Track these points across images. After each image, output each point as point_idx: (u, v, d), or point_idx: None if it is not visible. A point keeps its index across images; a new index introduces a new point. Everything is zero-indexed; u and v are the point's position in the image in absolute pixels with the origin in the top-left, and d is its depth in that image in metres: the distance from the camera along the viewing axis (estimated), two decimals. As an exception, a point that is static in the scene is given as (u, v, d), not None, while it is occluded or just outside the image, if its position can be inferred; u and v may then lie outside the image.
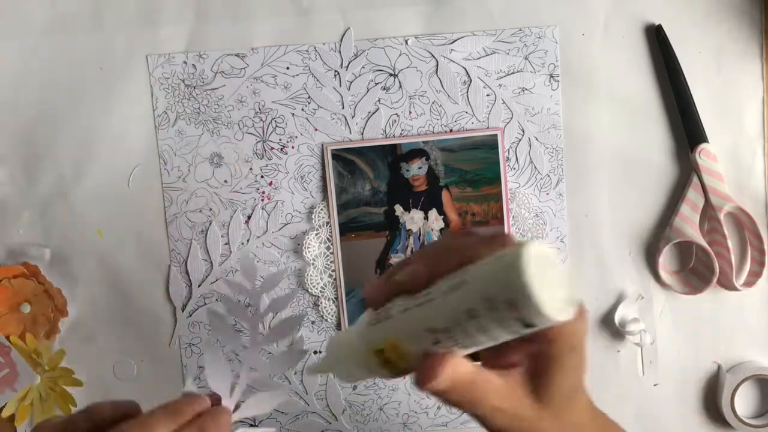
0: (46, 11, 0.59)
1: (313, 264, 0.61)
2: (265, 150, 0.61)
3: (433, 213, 0.61)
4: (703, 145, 0.59)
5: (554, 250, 0.29)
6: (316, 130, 0.60)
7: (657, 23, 0.60)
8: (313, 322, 0.62)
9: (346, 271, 0.61)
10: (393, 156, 0.60)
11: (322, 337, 0.62)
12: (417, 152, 0.60)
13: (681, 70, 0.59)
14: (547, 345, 0.30)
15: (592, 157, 0.61)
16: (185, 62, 0.60)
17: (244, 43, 0.60)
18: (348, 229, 0.61)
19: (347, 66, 0.60)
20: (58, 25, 0.59)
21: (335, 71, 0.60)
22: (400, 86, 0.60)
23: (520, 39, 0.60)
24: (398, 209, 0.61)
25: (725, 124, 0.61)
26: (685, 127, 0.60)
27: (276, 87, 0.60)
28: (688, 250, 0.62)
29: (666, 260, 0.62)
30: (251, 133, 0.60)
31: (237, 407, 0.38)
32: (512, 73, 0.60)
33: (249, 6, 0.59)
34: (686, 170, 0.61)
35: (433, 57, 0.60)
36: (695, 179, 0.60)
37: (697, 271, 0.62)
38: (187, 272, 0.62)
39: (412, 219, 0.61)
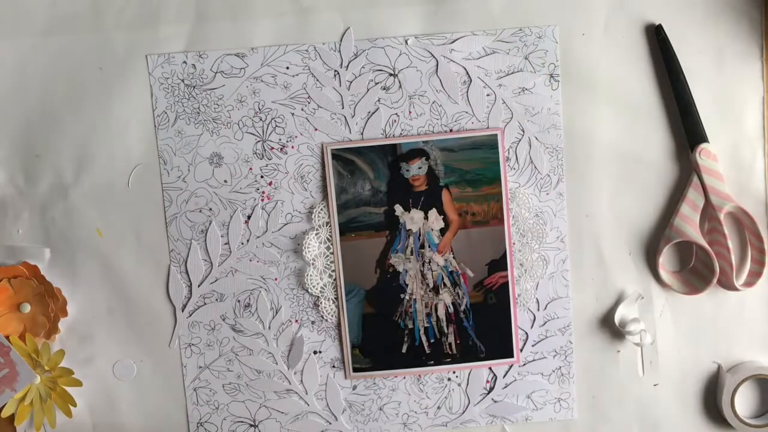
0: (46, 11, 0.59)
1: (313, 264, 0.61)
2: (265, 150, 0.61)
3: (433, 213, 0.61)
4: (703, 145, 0.59)
5: None
6: (316, 130, 0.60)
7: (657, 23, 0.60)
8: (313, 322, 0.62)
9: (346, 271, 0.61)
10: (393, 156, 0.60)
11: (321, 337, 0.62)
12: (417, 152, 0.60)
13: (681, 70, 0.59)
14: None
15: (592, 157, 0.61)
16: (185, 62, 0.60)
17: (244, 43, 0.60)
18: (348, 229, 0.61)
19: (347, 66, 0.60)
20: (58, 25, 0.60)
21: (335, 71, 0.60)
22: (400, 86, 0.60)
23: (520, 39, 0.60)
24: (398, 209, 0.61)
25: (725, 124, 0.61)
26: (685, 127, 0.60)
27: (276, 87, 0.60)
28: (688, 250, 0.62)
29: (666, 260, 0.62)
30: (251, 133, 0.60)
31: None
32: (512, 73, 0.60)
33: (249, 6, 0.59)
34: (686, 170, 0.61)
35: (433, 57, 0.60)
36: (695, 179, 0.60)
37: (697, 271, 0.62)
38: (187, 272, 0.62)
39: (412, 219, 0.61)
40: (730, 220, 0.61)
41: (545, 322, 0.62)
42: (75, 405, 0.61)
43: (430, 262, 0.61)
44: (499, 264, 0.61)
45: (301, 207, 0.61)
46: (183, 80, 0.60)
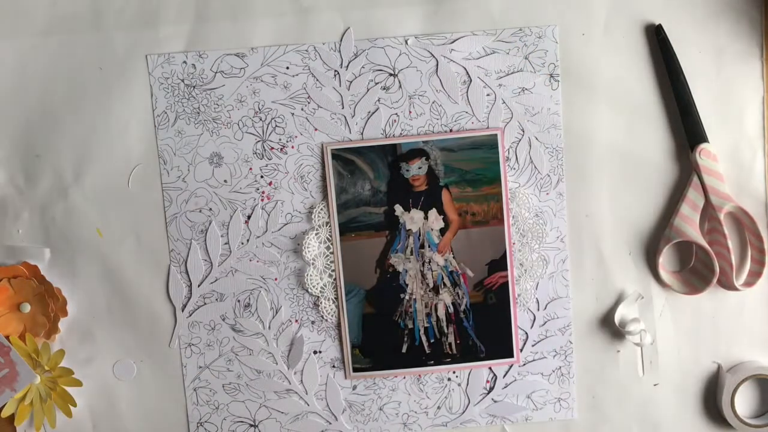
0: (46, 11, 0.59)
1: (313, 264, 0.61)
2: (265, 150, 0.61)
3: (433, 213, 0.61)
4: (703, 145, 0.59)
5: None
6: (315, 129, 0.60)
7: (657, 23, 0.60)
8: (313, 322, 0.62)
9: (346, 271, 0.61)
10: (393, 156, 0.60)
11: (321, 337, 0.62)
12: (417, 152, 0.60)
13: (681, 70, 0.59)
14: None
15: (592, 157, 0.61)
16: (185, 62, 0.60)
17: (244, 43, 0.60)
18: (348, 229, 0.61)
19: (347, 66, 0.60)
20: (58, 25, 0.60)
21: (335, 71, 0.60)
22: (400, 86, 0.60)
23: (520, 39, 0.60)
24: (398, 209, 0.61)
25: (725, 124, 0.61)
26: (685, 127, 0.60)
27: (276, 87, 0.60)
28: (688, 250, 0.62)
29: (666, 260, 0.62)
30: (251, 133, 0.60)
31: None
32: (512, 73, 0.60)
33: (249, 6, 0.59)
34: (686, 170, 0.61)
35: (433, 57, 0.60)
36: (695, 179, 0.60)
37: (697, 271, 0.62)
38: (186, 272, 0.62)
39: (412, 219, 0.61)
40: (730, 220, 0.61)
41: (545, 322, 0.62)
42: (75, 405, 0.61)
43: (430, 262, 0.61)
44: (499, 264, 0.61)
45: (301, 207, 0.61)
46: (183, 80, 0.60)
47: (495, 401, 0.63)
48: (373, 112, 0.60)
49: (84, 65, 0.60)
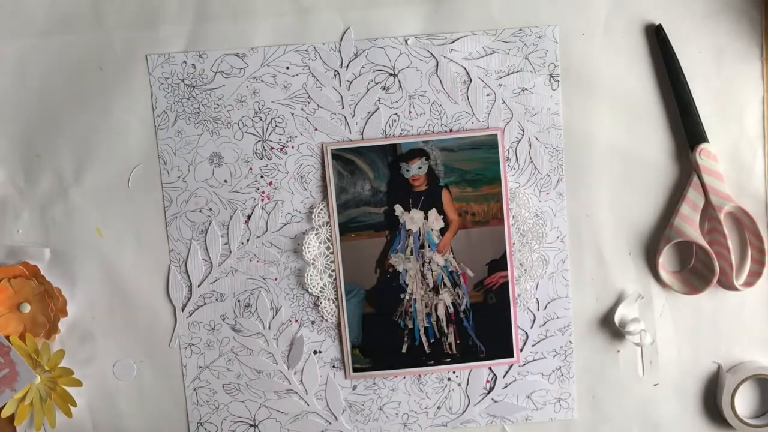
0: (46, 11, 0.59)
1: (313, 264, 0.61)
2: (265, 150, 0.61)
3: (433, 213, 0.61)
4: (703, 145, 0.59)
5: None
6: (315, 129, 0.60)
7: (657, 23, 0.60)
8: (313, 322, 0.62)
9: (346, 271, 0.61)
10: (393, 156, 0.60)
11: (321, 337, 0.62)
12: (417, 152, 0.60)
13: (681, 70, 0.59)
14: None
15: (592, 157, 0.61)
16: (185, 62, 0.60)
17: (244, 43, 0.60)
18: (348, 229, 0.61)
19: (347, 66, 0.60)
20: (58, 25, 0.60)
21: (335, 71, 0.60)
22: (400, 86, 0.60)
23: (520, 39, 0.60)
24: (398, 209, 0.61)
25: (725, 124, 0.61)
26: (685, 127, 0.60)
27: (276, 87, 0.60)
28: (688, 250, 0.62)
29: (666, 260, 0.62)
30: (251, 133, 0.60)
31: None
32: (512, 73, 0.60)
33: (249, 6, 0.59)
34: (686, 170, 0.61)
35: (433, 57, 0.60)
36: (695, 179, 0.60)
37: (697, 271, 0.62)
38: (186, 272, 0.62)
39: (412, 219, 0.61)
40: (730, 220, 0.61)
41: (545, 322, 0.62)
42: (75, 405, 0.61)
43: (430, 262, 0.61)
44: (499, 264, 0.61)
45: (301, 207, 0.61)
46: (183, 80, 0.60)
47: (495, 401, 0.63)
48: (373, 112, 0.60)
49: (84, 65, 0.60)
